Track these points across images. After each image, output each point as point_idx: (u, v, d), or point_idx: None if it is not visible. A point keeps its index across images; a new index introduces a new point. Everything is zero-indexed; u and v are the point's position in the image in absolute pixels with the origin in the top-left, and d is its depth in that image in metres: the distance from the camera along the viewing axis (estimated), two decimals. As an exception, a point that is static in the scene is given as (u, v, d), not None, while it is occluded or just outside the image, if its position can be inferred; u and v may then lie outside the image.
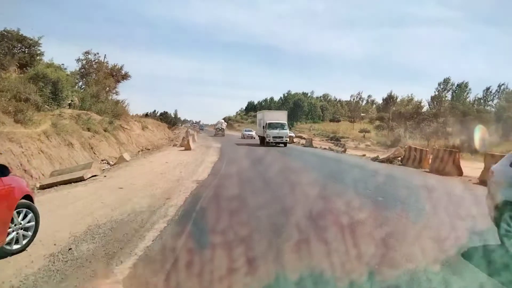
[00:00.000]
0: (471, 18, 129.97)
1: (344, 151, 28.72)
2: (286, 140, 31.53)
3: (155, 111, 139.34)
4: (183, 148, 22.58)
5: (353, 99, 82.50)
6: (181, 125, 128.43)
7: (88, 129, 18.35)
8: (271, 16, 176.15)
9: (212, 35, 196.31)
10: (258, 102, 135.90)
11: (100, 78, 28.89)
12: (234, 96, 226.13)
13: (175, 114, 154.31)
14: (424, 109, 69.58)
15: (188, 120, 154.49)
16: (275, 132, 30.69)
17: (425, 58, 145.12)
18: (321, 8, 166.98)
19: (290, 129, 44.74)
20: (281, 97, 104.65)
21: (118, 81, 33.02)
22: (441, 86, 70.01)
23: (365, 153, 27.73)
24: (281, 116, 34.83)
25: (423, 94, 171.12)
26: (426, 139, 52.49)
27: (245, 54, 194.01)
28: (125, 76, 33.33)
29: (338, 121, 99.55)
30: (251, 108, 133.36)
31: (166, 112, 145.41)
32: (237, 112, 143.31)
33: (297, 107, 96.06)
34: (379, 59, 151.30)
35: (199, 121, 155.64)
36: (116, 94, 33.22)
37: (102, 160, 16.90)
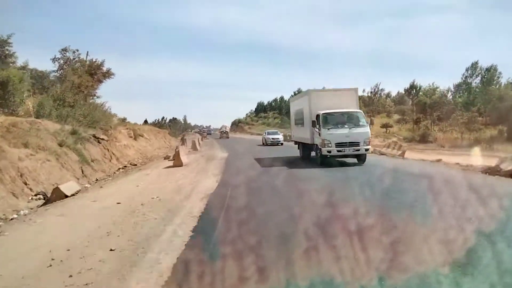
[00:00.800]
0: (479, 4, 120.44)
1: (403, 155, 18.94)
2: (366, 148, 14.31)
3: (163, 118, 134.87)
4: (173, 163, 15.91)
5: (371, 92, 74.51)
6: (191, 131, 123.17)
7: (25, 145, 12.02)
8: (274, 15, 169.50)
9: (217, 37, 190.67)
10: (268, 102, 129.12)
11: (69, 76, 22.58)
12: (242, 98, 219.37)
13: (185, 120, 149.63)
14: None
15: (199, 125, 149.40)
16: (341, 133, 14.20)
17: (435, 48, 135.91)
18: (325, 3, 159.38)
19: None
20: (292, 95, 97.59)
21: (100, 81, 26.75)
22: (469, 72, 62.09)
23: (420, 155, 20.45)
24: (347, 99, 15.70)
25: (439, 83, 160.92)
26: (459, 131, 44.96)
27: (251, 54, 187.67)
28: (107, 74, 27.00)
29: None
30: (261, 109, 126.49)
31: (175, 119, 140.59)
32: (247, 114, 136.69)
33: None
34: (387, 51, 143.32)
35: (209, 126, 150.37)
36: (97, 97, 26.98)
37: (37, 194, 10.51)
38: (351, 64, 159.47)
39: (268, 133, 36.55)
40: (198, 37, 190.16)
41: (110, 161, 18.39)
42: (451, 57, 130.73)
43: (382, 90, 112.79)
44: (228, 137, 55.92)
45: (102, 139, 18.91)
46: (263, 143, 34.42)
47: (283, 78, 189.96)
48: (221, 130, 68.44)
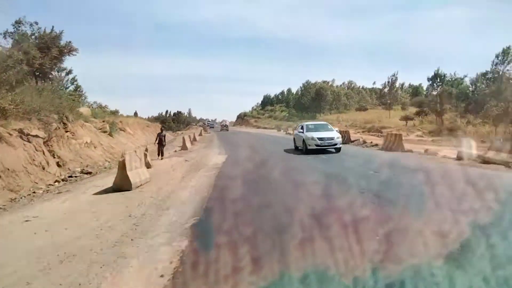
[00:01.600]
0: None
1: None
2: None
3: (167, 111, 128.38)
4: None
5: (388, 82, 66.53)
6: (195, 124, 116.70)
7: None
8: (278, 8, 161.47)
9: (222, 31, 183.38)
10: (275, 95, 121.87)
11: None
12: (248, 93, 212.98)
13: (189, 114, 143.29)
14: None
15: (204, 119, 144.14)
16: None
17: (441, 41, 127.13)
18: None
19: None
20: (300, 87, 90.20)
21: (56, 57, 20.03)
22: (499, 58, 54.39)
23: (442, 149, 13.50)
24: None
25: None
26: (493, 124, 37.37)
27: (256, 49, 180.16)
28: (68, 50, 20.28)
29: (366, 109, 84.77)
30: (268, 102, 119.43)
31: (180, 112, 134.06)
32: (253, 108, 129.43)
33: (319, 97, 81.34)
34: (394, 45, 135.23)
35: (215, 119, 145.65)
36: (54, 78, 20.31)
37: None
38: (357, 57, 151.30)
39: (309, 129, 18.63)
40: (203, 32, 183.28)
41: (43, 169, 11.78)
42: (459, 49, 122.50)
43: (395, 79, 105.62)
44: (227, 130, 61.60)
45: (35, 136, 12.28)
46: (299, 147, 18.48)
47: (289, 72, 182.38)
48: (222, 124, 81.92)
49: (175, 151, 20.09)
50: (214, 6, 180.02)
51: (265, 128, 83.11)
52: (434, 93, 55.96)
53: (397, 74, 63.39)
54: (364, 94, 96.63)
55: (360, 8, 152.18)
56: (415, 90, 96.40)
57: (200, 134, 35.50)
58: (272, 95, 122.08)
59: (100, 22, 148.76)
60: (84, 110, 21.73)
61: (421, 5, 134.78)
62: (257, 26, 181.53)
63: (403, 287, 3.30)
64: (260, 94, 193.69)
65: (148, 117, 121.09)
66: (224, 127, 66.38)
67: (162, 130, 17.95)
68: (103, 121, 22.80)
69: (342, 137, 24.58)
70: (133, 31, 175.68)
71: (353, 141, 23.89)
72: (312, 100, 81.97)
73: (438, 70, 53.23)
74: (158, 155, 15.56)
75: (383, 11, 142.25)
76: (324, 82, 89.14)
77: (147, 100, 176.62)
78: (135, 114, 37.45)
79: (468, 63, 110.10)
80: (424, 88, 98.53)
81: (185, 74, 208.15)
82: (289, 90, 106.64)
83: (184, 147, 19.95)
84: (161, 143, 15.65)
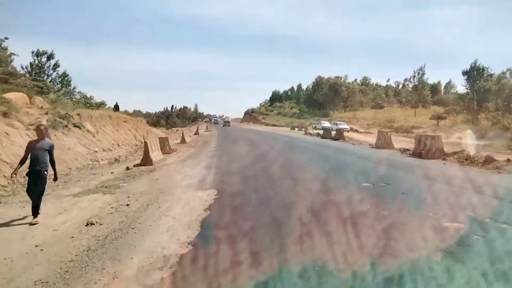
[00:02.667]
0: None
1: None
2: None
3: (173, 106, 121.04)
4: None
5: (413, 76, 57.25)
6: (201, 120, 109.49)
7: None
8: (289, 6, 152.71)
9: (231, 29, 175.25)
10: (284, 91, 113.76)
11: None
12: (256, 89, 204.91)
13: (195, 109, 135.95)
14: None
15: (212, 115, 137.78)
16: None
17: (452, 39, 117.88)
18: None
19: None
20: (312, 83, 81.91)
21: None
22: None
23: None
24: None
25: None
26: None
27: (265, 46, 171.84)
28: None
29: (382, 107, 76.43)
30: (276, 99, 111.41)
31: (186, 107, 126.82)
32: (261, 104, 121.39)
33: (333, 93, 73.01)
34: (404, 43, 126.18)
35: (222, 115, 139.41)
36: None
37: None
38: (365, 55, 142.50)
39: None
40: (213, 29, 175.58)
41: None
42: (466, 49, 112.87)
43: (406, 80, 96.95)
44: (229, 126, 62.99)
45: None
46: None
47: (298, 69, 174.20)
48: (224, 119, 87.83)
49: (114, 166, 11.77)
50: (224, 3, 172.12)
51: (274, 125, 75.17)
52: (458, 90, 47.47)
53: (424, 68, 54.34)
54: (379, 91, 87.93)
55: (368, 7, 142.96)
56: (434, 88, 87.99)
57: (196, 133, 28.16)
58: (281, 91, 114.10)
59: (108, 17, 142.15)
60: (14, 95, 14.16)
61: (431, 3, 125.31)
62: (266, 24, 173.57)
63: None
64: (268, 91, 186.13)
65: (155, 112, 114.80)
66: (226, 123, 74.10)
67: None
68: (46, 113, 15.23)
69: (380, 141, 17.19)
70: (141, 27, 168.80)
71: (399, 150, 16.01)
72: (325, 96, 73.63)
73: (476, 63, 44.44)
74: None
75: (391, 9, 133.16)
76: (337, 77, 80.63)
77: (154, 95, 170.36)
78: (116, 107, 29.61)
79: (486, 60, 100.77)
80: (443, 86, 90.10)
81: (193, 70, 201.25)
82: (299, 86, 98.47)
83: (146, 160, 12.06)
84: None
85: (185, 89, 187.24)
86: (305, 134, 31.93)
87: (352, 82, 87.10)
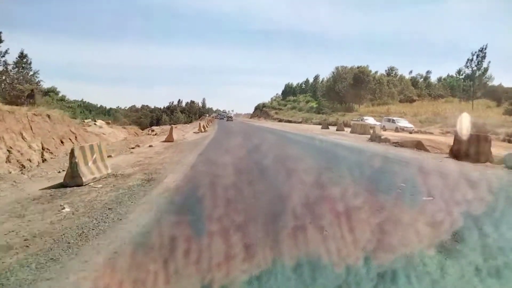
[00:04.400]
0: None
1: None
2: None
3: (179, 100, 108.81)
4: None
5: (472, 61, 43.42)
6: (208, 115, 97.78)
7: None
8: (299, 1, 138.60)
9: (241, 23, 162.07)
10: (298, 84, 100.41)
11: None
12: (267, 84, 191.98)
13: (203, 104, 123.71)
14: None
15: (221, 110, 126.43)
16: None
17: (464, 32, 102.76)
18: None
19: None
20: (332, 73, 68.34)
21: None
22: None
23: None
24: None
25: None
26: None
27: (275, 40, 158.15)
28: None
29: (413, 100, 63.04)
30: (290, 92, 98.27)
31: (193, 102, 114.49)
32: (272, 98, 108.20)
33: (358, 84, 59.57)
34: (417, 36, 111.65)
35: (232, 110, 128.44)
36: None
37: None
38: (375, 48, 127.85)
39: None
40: (222, 24, 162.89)
41: None
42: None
43: (428, 72, 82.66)
44: (232, 120, 64.16)
45: None
46: None
47: (308, 63, 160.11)
48: (228, 115, 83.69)
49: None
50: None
51: (289, 121, 62.32)
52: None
53: (485, 49, 40.43)
54: (407, 83, 73.87)
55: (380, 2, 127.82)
56: (449, 83, 74.41)
57: (182, 137, 15.61)
58: (295, 84, 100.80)
59: (120, 12, 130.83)
60: None
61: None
62: (276, 17, 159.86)
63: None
64: (278, 86, 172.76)
65: (162, 107, 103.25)
66: (229, 118, 71.99)
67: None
68: None
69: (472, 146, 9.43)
70: (152, 21, 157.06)
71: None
72: (349, 88, 60.23)
73: None
74: None
75: (403, 3, 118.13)
76: (362, 67, 66.86)
77: (167, 90, 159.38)
78: (30, 95, 17.19)
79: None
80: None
81: (203, 65, 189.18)
82: (316, 78, 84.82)
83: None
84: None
85: (195, 84, 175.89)
86: (369, 141, 16.25)
87: (375, 72, 73.58)
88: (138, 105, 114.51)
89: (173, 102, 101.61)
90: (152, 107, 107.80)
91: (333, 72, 68.33)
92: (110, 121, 20.93)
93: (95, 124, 17.48)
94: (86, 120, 17.56)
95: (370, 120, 30.32)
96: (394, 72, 78.55)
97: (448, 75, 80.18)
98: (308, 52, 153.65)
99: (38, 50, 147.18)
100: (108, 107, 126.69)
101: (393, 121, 26.09)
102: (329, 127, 29.87)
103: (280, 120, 67.79)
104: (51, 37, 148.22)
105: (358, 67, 65.20)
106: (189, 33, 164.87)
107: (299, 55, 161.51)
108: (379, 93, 61.74)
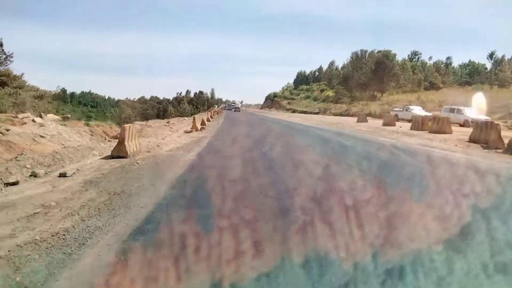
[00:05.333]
0: None
1: None
2: None
3: (187, 91, 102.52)
4: None
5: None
6: (217, 106, 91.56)
7: None
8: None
9: (251, 11, 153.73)
10: (311, 72, 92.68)
11: None
12: (277, 73, 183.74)
13: (212, 94, 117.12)
14: None
15: (231, 101, 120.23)
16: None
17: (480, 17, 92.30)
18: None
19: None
20: (350, 58, 60.49)
21: None
22: None
23: None
24: None
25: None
26: None
27: (286, 28, 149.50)
28: None
29: (439, 88, 55.46)
30: (303, 81, 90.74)
31: (201, 92, 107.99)
32: (283, 88, 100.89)
33: (381, 70, 52.07)
34: (431, 21, 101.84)
35: (242, 101, 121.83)
36: None
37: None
38: (396, 33, 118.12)
39: None
40: (232, 12, 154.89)
41: None
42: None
43: (448, 58, 73.93)
44: (239, 111, 60.56)
45: None
46: None
47: (320, 50, 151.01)
48: (235, 106, 74.87)
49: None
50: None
51: (304, 112, 55.44)
52: None
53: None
54: (431, 70, 65.56)
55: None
56: (475, 68, 66.56)
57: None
58: (308, 72, 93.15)
59: (129, 3, 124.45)
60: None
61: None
62: (285, 3, 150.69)
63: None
64: (289, 75, 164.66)
65: (171, 99, 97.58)
66: (236, 109, 67.36)
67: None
68: None
69: None
70: (162, 10, 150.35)
71: None
72: (371, 74, 52.80)
73: None
74: None
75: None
76: (381, 52, 58.72)
77: (174, 81, 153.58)
78: None
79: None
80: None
81: (212, 55, 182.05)
82: (331, 64, 77.11)
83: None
84: None
85: (205, 74, 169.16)
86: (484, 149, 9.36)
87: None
88: (147, 96, 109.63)
89: (181, 93, 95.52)
90: (161, 98, 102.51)
91: (351, 57, 60.60)
92: (69, 116, 14.87)
93: (33, 121, 11.35)
94: (20, 115, 11.43)
95: (416, 110, 23.40)
96: (417, 57, 70.28)
97: (470, 61, 72.10)
98: (320, 39, 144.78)
99: (40, 40, 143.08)
100: (116, 98, 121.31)
101: (458, 111, 19.04)
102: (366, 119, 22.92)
103: (294, 111, 60.98)
104: (54, 27, 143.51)
105: (380, 51, 57.30)
106: (199, 22, 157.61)
107: (310, 42, 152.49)
108: (404, 79, 54.06)
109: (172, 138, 10.71)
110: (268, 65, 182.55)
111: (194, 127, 14.94)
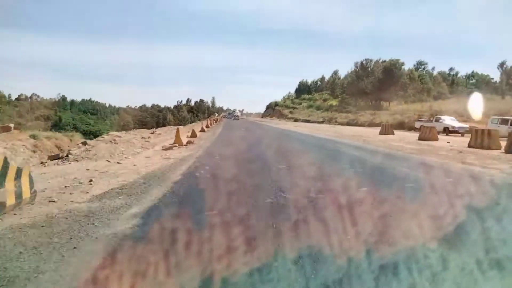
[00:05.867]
0: None
1: None
2: None
3: (188, 99, 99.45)
4: None
5: None
6: (218, 115, 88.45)
7: None
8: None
9: (250, 23, 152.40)
10: (313, 81, 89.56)
11: None
12: (276, 83, 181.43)
13: (213, 103, 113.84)
14: None
15: (232, 109, 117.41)
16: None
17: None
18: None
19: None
20: (355, 67, 57.19)
21: None
22: None
23: None
24: None
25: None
26: None
27: (287, 40, 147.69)
28: None
29: (445, 98, 52.27)
30: (304, 90, 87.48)
31: (202, 101, 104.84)
32: (284, 97, 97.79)
33: (389, 79, 48.94)
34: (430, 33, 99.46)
35: (242, 110, 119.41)
36: None
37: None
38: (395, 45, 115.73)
39: None
40: (236, 23, 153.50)
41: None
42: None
43: (451, 69, 71.34)
44: (238, 119, 57.98)
45: None
46: None
47: (320, 63, 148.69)
48: (234, 114, 75.97)
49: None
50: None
51: (307, 121, 51.89)
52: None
53: None
54: (438, 80, 62.37)
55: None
56: (483, 79, 63.91)
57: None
58: (310, 81, 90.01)
59: (131, 13, 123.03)
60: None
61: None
62: (287, 17, 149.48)
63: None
64: (289, 86, 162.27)
65: (171, 107, 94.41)
66: (236, 117, 65.39)
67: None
68: None
69: None
70: (165, 20, 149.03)
71: None
72: (378, 83, 49.65)
73: None
74: None
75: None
76: (390, 60, 55.47)
77: (175, 89, 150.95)
78: None
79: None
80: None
81: (213, 64, 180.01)
82: (335, 73, 73.97)
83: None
84: None
85: (206, 83, 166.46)
86: None
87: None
88: (149, 104, 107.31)
89: (181, 101, 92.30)
90: (162, 106, 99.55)
91: (356, 66, 57.42)
92: (11, 125, 11.33)
93: None
94: None
95: (448, 121, 19.85)
96: (423, 67, 67.13)
97: (473, 72, 69.15)
98: (319, 50, 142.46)
99: (41, 48, 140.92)
100: (118, 106, 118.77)
101: (512, 123, 15.24)
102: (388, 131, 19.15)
103: (296, 120, 57.53)
104: (56, 36, 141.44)
105: (384, 61, 54.08)
106: (201, 34, 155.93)
107: (310, 53, 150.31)
108: (412, 89, 50.78)
109: (135, 161, 7.20)
110: (268, 75, 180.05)
111: (177, 142, 11.43)
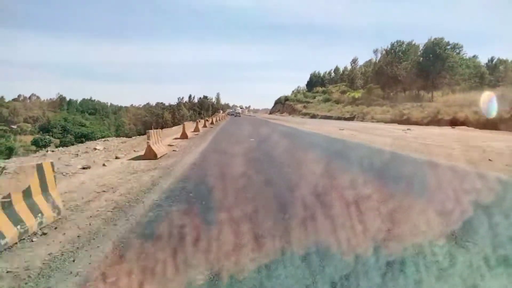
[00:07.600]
0: None
1: None
2: None
3: (190, 96, 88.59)
4: None
5: None
6: (222, 112, 78.11)
7: None
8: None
9: (260, 19, 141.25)
10: (326, 73, 78.18)
11: None
12: (285, 78, 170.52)
13: (217, 99, 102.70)
14: None
15: (237, 105, 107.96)
16: None
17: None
18: None
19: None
20: (383, 50, 45.84)
21: None
22: None
23: None
24: None
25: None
26: None
27: (293, 35, 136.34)
28: None
29: (494, 86, 40.77)
30: (317, 82, 76.25)
31: (206, 97, 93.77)
32: (294, 91, 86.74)
33: (433, 62, 37.73)
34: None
35: (249, 106, 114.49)
36: None
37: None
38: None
39: None
40: (241, 19, 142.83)
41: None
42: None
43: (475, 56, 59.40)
44: (240, 116, 55.55)
45: None
46: None
47: (328, 58, 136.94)
48: (236, 111, 68.85)
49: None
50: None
51: (328, 117, 40.78)
52: None
53: None
54: (479, 65, 50.54)
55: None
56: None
57: None
58: (322, 73, 78.70)
59: (135, 11, 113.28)
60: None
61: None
62: (293, 12, 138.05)
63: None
64: (297, 81, 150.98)
65: (174, 104, 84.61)
66: (237, 114, 61.56)
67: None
68: None
69: None
70: (168, 17, 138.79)
71: None
72: (415, 69, 38.64)
73: None
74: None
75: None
76: (434, 41, 43.35)
77: (181, 86, 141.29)
78: None
79: None
80: None
81: (219, 61, 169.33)
82: (354, 61, 62.56)
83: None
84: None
85: (212, 80, 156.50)
86: None
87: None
88: (153, 103, 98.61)
89: (182, 98, 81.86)
90: (167, 104, 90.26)
91: (385, 50, 46.12)
92: None
93: None
94: None
95: None
96: (458, 50, 55.28)
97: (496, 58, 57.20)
98: (326, 44, 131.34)
99: (45, 49, 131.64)
100: (121, 105, 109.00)
101: None
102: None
103: (313, 116, 46.73)
104: (59, 36, 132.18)
105: (429, 41, 42.28)
106: (207, 30, 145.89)
107: (317, 47, 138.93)
108: (459, 75, 39.45)
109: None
110: (275, 70, 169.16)
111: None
